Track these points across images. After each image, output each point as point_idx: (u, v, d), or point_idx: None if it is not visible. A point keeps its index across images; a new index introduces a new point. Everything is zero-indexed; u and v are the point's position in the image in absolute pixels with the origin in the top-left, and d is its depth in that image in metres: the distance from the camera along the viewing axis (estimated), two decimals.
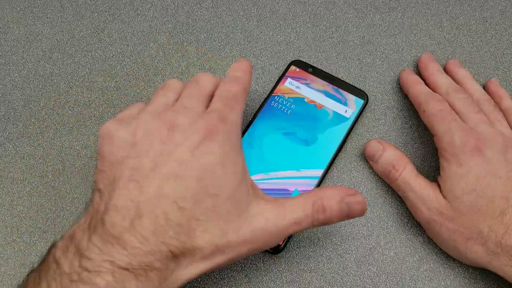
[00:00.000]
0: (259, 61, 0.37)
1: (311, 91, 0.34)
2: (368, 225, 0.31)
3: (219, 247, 0.21)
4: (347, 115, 0.33)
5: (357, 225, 0.31)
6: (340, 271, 0.30)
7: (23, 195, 0.33)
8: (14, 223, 0.32)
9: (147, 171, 0.21)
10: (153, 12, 0.39)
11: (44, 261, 0.21)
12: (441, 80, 0.32)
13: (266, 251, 0.30)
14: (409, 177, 0.29)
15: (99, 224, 0.20)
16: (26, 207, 0.33)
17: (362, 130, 0.34)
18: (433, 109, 0.29)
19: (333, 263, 0.30)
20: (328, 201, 0.24)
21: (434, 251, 0.30)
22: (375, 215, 0.31)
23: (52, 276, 0.19)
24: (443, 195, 0.28)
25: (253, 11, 0.39)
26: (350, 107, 0.34)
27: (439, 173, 0.29)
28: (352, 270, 0.30)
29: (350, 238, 0.31)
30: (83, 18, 0.39)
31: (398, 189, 0.30)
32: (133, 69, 0.37)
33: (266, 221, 0.23)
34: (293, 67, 0.35)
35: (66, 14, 0.40)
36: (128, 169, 0.22)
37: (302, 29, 0.38)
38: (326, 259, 0.30)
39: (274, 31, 0.38)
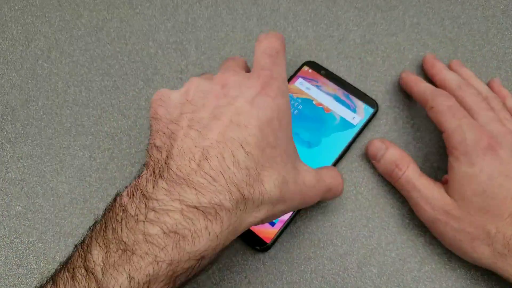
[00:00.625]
0: None
1: (321, 94, 0.34)
2: (369, 226, 0.31)
3: (282, 194, 0.22)
4: (354, 122, 0.33)
5: (358, 226, 0.31)
6: (341, 272, 0.30)
7: (21, 196, 0.33)
8: (12, 224, 0.32)
9: (207, 121, 0.22)
10: (152, 10, 0.39)
11: (109, 209, 0.20)
12: (450, 76, 0.32)
13: (255, 248, 0.30)
14: (412, 176, 0.29)
15: (164, 169, 0.20)
16: (24, 208, 0.32)
17: (364, 130, 0.34)
18: (442, 105, 0.28)
19: (334, 264, 0.30)
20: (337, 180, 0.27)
21: (435, 252, 0.30)
22: (376, 216, 0.31)
23: (118, 220, 0.19)
24: (449, 194, 0.27)
25: (253, 9, 0.39)
26: (358, 114, 0.33)
27: (447, 172, 0.28)
28: (353, 271, 0.30)
29: (351, 239, 0.31)
30: (82, 17, 0.39)
31: (401, 188, 0.30)
32: (132, 68, 0.37)
33: (312, 178, 0.24)
34: (305, 68, 0.35)
35: (65, 13, 0.39)
36: (186, 122, 0.22)
37: (302, 28, 0.38)
38: (327, 260, 0.30)
39: (274, 30, 0.38)
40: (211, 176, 0.19)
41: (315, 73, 0.35)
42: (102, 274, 0.17)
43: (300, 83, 0.34)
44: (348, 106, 0.33)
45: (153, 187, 0.19)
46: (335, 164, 0.32)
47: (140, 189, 0.20)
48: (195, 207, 0.19)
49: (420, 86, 0.31)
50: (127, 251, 0.18)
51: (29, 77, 0.37)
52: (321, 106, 0.33)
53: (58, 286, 0.18)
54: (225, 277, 0.30)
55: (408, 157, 0.30)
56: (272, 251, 0.30)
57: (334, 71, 0.36)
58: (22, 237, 0.31)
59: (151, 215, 0.18)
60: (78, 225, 0.31)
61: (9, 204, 0.32)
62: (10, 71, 0.37)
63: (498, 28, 0.38)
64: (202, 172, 0.20)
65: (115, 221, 0.19)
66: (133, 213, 0.19)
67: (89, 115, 0.35)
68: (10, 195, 0.33)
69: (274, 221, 0.30)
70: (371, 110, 0.33)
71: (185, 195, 0.19)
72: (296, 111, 0.33)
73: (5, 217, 0.32)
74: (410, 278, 0.29)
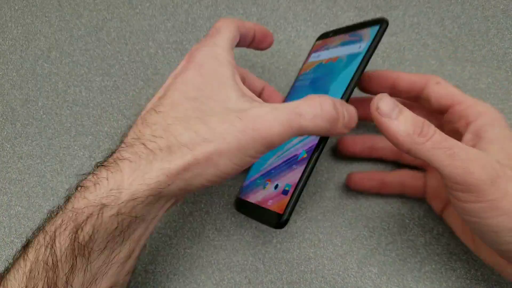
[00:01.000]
0: (259, 60, 0.37)
1: (329, 52, 0.30)
2: (369, 226, 0.31)
3: (200, 133, 0.22)
4: (360, 49, 0.27)
5: (358, 226, 0.31)
6: (341, 272, 0.30)
7: (21, 196, 0.33)
8: (12, 224, 0.32)
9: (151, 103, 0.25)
10: (152, 10, 0.39)
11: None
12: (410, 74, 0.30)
13: (270, 225, 0.26)
14: (444, 135, 0.22)
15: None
16: (24, 208, 0.32)
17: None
18: (448, 82, 0.28)
19: (334, 264, 0.30)
20: (325, 101, 0.23)
21: (435, 252, 0.30)
22: (377, 216, 0.31)
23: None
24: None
25: (253, 9, 0.39)
26: (364, 41, 0.27)
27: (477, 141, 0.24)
28: (354, 271, 0.30)
29: (351, 239, 0.31)
30: (82, 17, 0.39)
31: (432, 150, 0.22)
32: (132, 68, 0.37)
33: (260, 110, 0.22)
34: (317, 42, 0.33)
35: (65, 13, 0.39)
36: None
37: (302, 28, 0.38)
38: (327, 260, 0.30)
39: (274, 30, 0.38)
40: (128, 140, 0.23)
41: (325, 40, 0.32)
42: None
43: (312, 57, 0.32)
44: (353, 42, 0.28)
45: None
46: (346, 97, 0.26)
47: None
48: (102, 165, 0.22)
49: (405, 74, 0.29)
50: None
51: (29, 77, 0.37)
52: (330, 61, 0.29)
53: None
54: (225, 277, 0.30)
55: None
56: (272, 251, 0.30)
57: None
58: (22, 237, 0.31)
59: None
60: None
61: (9, 204, 0.32)
62: (10, 71, 0.37)
63: (498, 28, 0.37)
64: (124, 139, 0.23)
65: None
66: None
67: (89, 115, 0.35)
68: (10, 195, 0.33)
69: (285, 188, 0.25)
70: (376, 28, 0.27)
71: (117, 152, 0.22)
72: (309, 81, 0.30)
73: (5, 217, 0.32)
74: (410, 278, 0.29)
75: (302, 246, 0.31)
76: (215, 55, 0.25)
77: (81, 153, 0.34)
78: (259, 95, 0.32)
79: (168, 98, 0.23)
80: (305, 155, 0.25)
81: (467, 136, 0.25)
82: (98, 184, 0.21)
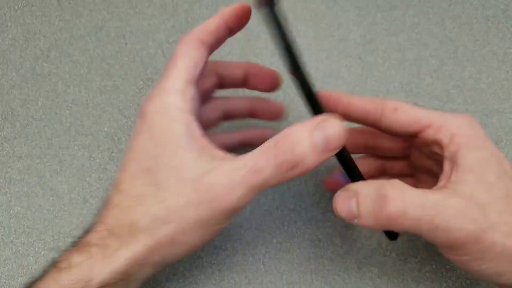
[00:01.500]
0: (259, 60, 0.37)
1: None
2: None
3: (157, 216, 0.21)
4: None
5: (358, 226, 0.31)
6: (341, 273, 0.30)
7: (20, 196, 0.33)
8: (12, 224, 0.32)
9: None
10: (152, 10, 0.39)
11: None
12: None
13: (387, 235, 0.25)
14: (417, 203, 0.20)
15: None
16: (24, 208, 0.32)
17: None
18: (407, 104, 0.24)
19: (334, 264, 0.30)
20: (295, 136, 0.19)
21: (436, 252, 0.30)
22: None
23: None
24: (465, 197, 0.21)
25: (253, 9, 0.39)
26: None
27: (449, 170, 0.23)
28: (354, 272, 0.30)
29: (351, 239, 0.31)
30: (81, 17, 0.39)
31: (412, 228, 0.20)
32: (132, 68, 0.37)
33: (215, 175, 0.20)
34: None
35: (64, 13, 0.39)
36: None
37: (302, 27, 0.38)
38: (327, 260, 0.30)
39: None
40: (96, 219, 0.23)
41: None
42: None
43: None
44: None
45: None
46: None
47: None
48: (74, 246, 0.22)
49: (360, 97, 0.25)
50: None
51: (28, 77, 0.37)
52: None
53: None
54: (225, 277, 0.30)
55: (384, 180, 0.21)
56: (272, 251, 0.30)
57: (334, 71, 0.36)
58: (22, 237, 0.31)
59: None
60: (78, 225, 0.31)
61: (9, 204, 0.32)
62: (9, 71, 0.37)
63: (498, 28, 0.37)
64: (98, 216, 0.23)
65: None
66: None
67: (88, 115, 0.35)
68: (9, 195, 0.33)
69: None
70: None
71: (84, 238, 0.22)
72: None
73: (4, 217, 0.32)
74: (410, 278, 0.29)
75: (302, 246, 0.31)
76: (165, 107, 0.22)
77: (81, 153, 0.34)
78: (245, 83, 0.29)
79: (127, 172, 0.22)
80: None
81: (446, 166, 0.22)
82: (70, 268, 0.21)
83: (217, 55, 0.37)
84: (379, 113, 0.24)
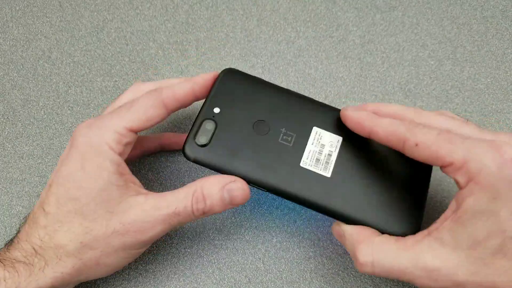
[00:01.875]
0: (259, 61, 0.37)
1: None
2: None
3: (85, 243, 0.23)
4: None
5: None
6: (340, 272, 0.30)
7: (22, 195, 0.33)
8: (13, 224, 0.32)
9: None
10: (152, 11, 0.39)
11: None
12: (396, 106, 0.26)
13: None
14: (386, 255, 0.22)
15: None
16: (25, 208, 0.32)
17: None
18: (429, 135, 0.22)
19: (333, 263, 0.30)
20: (209, 189, 0.24)
21: None
22: None
23: None
24: (445, 245, 0.21)
25: (253, 10, 0.39)
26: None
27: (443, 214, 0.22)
28: (353, 271, 0.30)
29: None
30: (82, 17, 0.39)
31: (381, 273, 0.22)
32: (133, 68, 0.37)
33: (141, 212, 0.24)
34: None
35: (65, 14, 0.39)
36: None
37: (302, 28, 0.38)
38: (326, 259, 0.30)
39: (274, 30, 0.38)
40: (20, 236, 0.24)
41: None
42: None
43: None
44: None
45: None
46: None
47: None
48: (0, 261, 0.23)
49: (384, 123, 0.24)
50: None
51: (30, 77, 0.37)
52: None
53: None
54: (225, 276, 0.30)
55: (366, 229, 0.24)
56: (272, 250, 0.31)
57: (334, 72, 0.36)
58: None
59: None
60: None
61: (10, 204, 0.33)
62: (11, 71, 0.37)
63: (497, 28, 0.38)
64: (20, 233, 0.25)
65: None
66: None
67: (90, 115, 0.35)
68: (11, 194, 0.33)
69: None
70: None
71: (1, 253, 0.24)
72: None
73: (6, 217, 0.32)
74: None
75: (302, 245, 0.31)
76: (100, 145, 0.24)
77: None
78: (161, 147, 0.32)
79: (53, 195, 0.24)
80: None
81: (451, 206, 0.22)
82: None
83: (217, 55, 0.38)
84: (401, 146, 0.23)
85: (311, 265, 0.30)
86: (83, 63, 0.37)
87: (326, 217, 0.31)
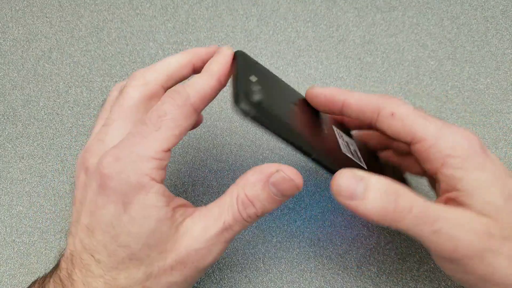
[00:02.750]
0: (259, 61, 0.37)
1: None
2: (368, 225, 0.31)
3: (146, 286, 0.21)
4: None
5: (357, 226, 0.31)
6: (340, 272, 0.30)
7: (22, 195, 0.33)
8: (14, 223, 0.32)
9: (75, 222, 0.22)
10: (152, 11, 0.39)
11: None
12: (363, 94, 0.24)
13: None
14: (424, 203, 0.20)
15: (58, 267, 0.23)
16: (26, 207, 0.32)
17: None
18: (405, 108, 0.22)
19: (333, 263, 0.30)
20: (252, 190, 0.21)
21: None
22: None
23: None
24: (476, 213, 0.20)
25: (253, 10, 0.39)
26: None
27: (449, 187, 0.21)
28: (353, 271, 0.30)
29: (350, 238, 0.31)
30: (82, 18, 0.39)
31: (414, 227, 0.19)
32: (133, 68, 0.37)
33: (192, 239, 0.21)
34: None
35: (65, 14, 0.39)
36: (72, 215, 0.23)
37: (302, 28, 0.38)
38: (326, 259, 0.30)
39: (274, 30, 0.38)
40: (75, 284, 0.21)
41: None
42: None
43: None
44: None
45: (49, 281, 0.23)
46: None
47: (44, 281, 0.23)
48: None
49: (356, 94, 0.23)
50: None
51: (30, 77, 0.37)
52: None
53: None
54: (225, 276, 0.30)
55: (397, 183, 0.21)
56: (272, 250, 0.31)
57: (334, 72, 0.36)
58: (24, 236, 0.31)
59: None
60: None
61: (11, 203, 0.33)
62: (11, 72, 0.37)
63: (497, 28, 0.38)
64: (71, 279, 0.21)
65: None
66: None
67: (90, 115, 0.35)
68: (11, 194, 0.33)
69: None
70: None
71: None
72: None
73: (6, 217, 0.32)
74: (409, 277, 0.29)
75: (302, 245, 0.31)
76: (139, 178, 0.20)
77: None
78: None
79: (100, 243, 0.21)
80: None
81: (443, 186, 0.21)
82: None
83: None
84: (375, 116, 0.22)
85: (311, 265, 0.30)
86: (83, 63, 0.37)
87: (326, 217, 0.32)
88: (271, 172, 0.21)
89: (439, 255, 0.20)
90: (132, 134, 0.21)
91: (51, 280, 0.22)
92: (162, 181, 0.21)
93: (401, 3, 0.39)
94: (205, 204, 0.23)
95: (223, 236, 0.21)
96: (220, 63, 0.23)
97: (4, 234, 0.32)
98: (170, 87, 0.24)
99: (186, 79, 0.24)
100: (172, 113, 0.21)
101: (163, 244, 0.21)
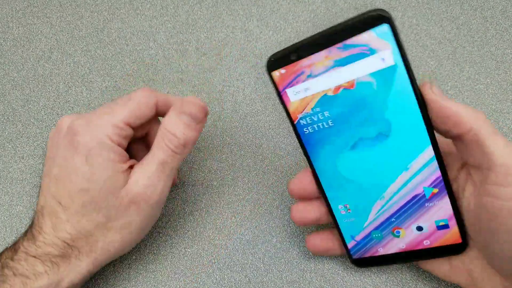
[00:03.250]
0: (259, 61, 0.37)
1: (323, 79, 0.23)
2: None
3: (109, 227, 0.26)
4: (390, 61, 0.22)
5: None
6: (340, 271, 0.30)
7: (22, 195, 0.33)
8: (14, 223, 0.32)
9: (46, 176, 0.27)
10: (152, 11, 0.39)
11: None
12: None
13: (451, 251, 0.25)
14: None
15: (30, 226, 0.27)
16: (26, 207, 0.32)
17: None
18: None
19: (333, 263, 0.30)
20: (171, 125, 0.26)
21: None
22: None
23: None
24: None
25: (253, 10, 0.39)
26: (381, 49, 0.22)
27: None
28: (353, 270, 0.30)
29: None
30: (83, 18, 0.39)
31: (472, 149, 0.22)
32: (133, 68, 0.37)
33: (139, 181, 0.26)
34: (275, 74, 0.24)
35: (66, 14, 0.39)
36: (42, 176, 0.27)
37: (302, 28, 0.38)
38: (326, 259, 0.30)
39: (274, 31, 0.38)
40: (45, 232, 0.25)
41: (292, 66, 0.24)
42: None
43: (294, 95, 0.24)
44: (361, 56, 0.22)
45: (21, 240, 0.26)
46: (426, 117, 0.22)
47: (16, 243, 0.26)
48: (34, 257, 0.25)
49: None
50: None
51: (30, 77, 0.37)
52: (342, 89, 0.23)
53: None
54: (225, 276, 0.30)
55: None
56: (272, 250, 0.31)
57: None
58: None
59: (10, 263, 0.25)
60: None
61: (11, 203, 0.33)
62: (11, 72, 0.37)
63: (497, 29, 0.38)
64: (40, 229, 0.25)
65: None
66: (2, 261, 0.25)
67: None
68: (11, 194, 0.33)
69: (438, 224, 0.25)
70: (386, 29, 0.21)
71: (29, 248, 0.25)
72: (329, 122, 0.24)
73: (6, 217, 0.32)
74: (409, 277, 0.29)
75: (302, 245, 0.31)
76: (102, 138, 0.25)
77: None
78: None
79: (65, 189, 0.25)
80: (435, 190, 0.24)
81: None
82: (37, 276, 0.24)
83: (218, 55, 0.38)
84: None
85: (311, 265, 0.30)
86: (83, 63, 0.37)
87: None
88: (180, 104, 0.26)
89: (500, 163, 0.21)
90: (104, 106, 0.27)
91: (24, 239, 0.26)
92: (121, 145, 0.26)
93: (400, 4, 0.39)
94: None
95: (162, 171, 0.26)
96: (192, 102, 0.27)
97: (4, 234, 0.32)
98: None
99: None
100: (137, 99, 0.26)
101: (117, 190, 0.25)
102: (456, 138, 0.23)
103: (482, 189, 0.22)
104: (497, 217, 0.21)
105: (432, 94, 0.22)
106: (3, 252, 0.26)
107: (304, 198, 0.27)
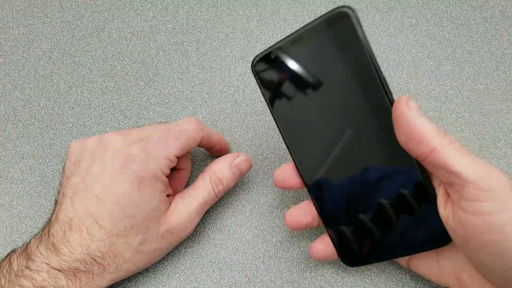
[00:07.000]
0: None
1: (302, 75, 0.25)
2: None
3: (140, 250, 0.27)
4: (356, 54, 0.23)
5: None
6: (340, 271, 0.30)
7: (23, 195, 0.33)
8: (14, 223, 0.32)
9: (79, 191, 0.26)
10: (153, 12, 0.39)
11: (1, 262, 0.26)
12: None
13: (437, 243, 0.25)
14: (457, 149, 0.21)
15: (46, 234, 0.26)
16: (26, 207, 0.33)
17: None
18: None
19: (333, 262, 0.30)
20: (221, 171, 0.29)
21: None
22: None
23: (3, 273, 0.25)
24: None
25: (253, 11, 0.39)
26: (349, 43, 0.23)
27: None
28: (353, 270, 0.30)
29: None
30: (83, 18, 0.39)
31: (454, 156, 0.21)
32: (133, 69, 0.37)
33: (179, 214, 0.28)
34: (260, 73, 0.26)
35: (66, 14, 0.40)
36: (70, 186, 0.26)
37: None
38: None
39: (274, 31, 0.38)
40: (71, 246, 0.25)
41: (273, 66, 0.25)
42: None
43: (276, 93, 0.26)
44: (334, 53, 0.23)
45: (35, 249, 0.25)
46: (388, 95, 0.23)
47: (27, 249, 0.25)
48: (58, 270, 0.24)
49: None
50: None
51: (30, 77, 0.37)
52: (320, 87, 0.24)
53: None
54: (225, 276, 0.30)
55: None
56: (272, 250, 0.31)
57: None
58: (24, 236, 0.31)
59: (26, 272, 0.24)
60: None
61: (11, 203, 0.33)
62: (12, 72, 0.37)
63: (496, 29, 0.38)
64: (66, 242, 0.25)
65: (1, 274, 0.25)
66: (15, 269, 0.25)
67: (90, 116, 0.36)
68: (12, 194, 0.33)
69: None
70: (347, 22, 0.22)
71: (51, 259, 0.25)
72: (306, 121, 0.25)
73: (7, 217, 0.32)
74: (409, 276, 0.29)
75: (302, 244, 0.31)
76: (156, 170, 0.26)
77: None
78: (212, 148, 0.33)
79: (108, 211, 0.25)
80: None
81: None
82: None
83: (218, 56, 0.38)
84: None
85: (311, 265, 0.30)
86: (83, 64, 0.38)
87: None
88: (233, 157, 0.30)
89: (477, 188, 0.20)
90: (158, 136, 0.27)
91: (41, 245, 0.25)
92: (167, 175, 0.28)
93: (400, 4, 0.39)
94: None
95: (201, 209, 0.29)
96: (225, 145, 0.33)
97: (4, 234, 0.32)
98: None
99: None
100: (188, 132, 0.28)
101: (159, 218, 0.27)
102: (421, 158, 0.22)
103: (458, 205, 0.22)
104: (478, 233, 0.20)
105: (404, 106, 0.22)
106: (11, 255, 0.25)
107: (288, 188, 0.28)
